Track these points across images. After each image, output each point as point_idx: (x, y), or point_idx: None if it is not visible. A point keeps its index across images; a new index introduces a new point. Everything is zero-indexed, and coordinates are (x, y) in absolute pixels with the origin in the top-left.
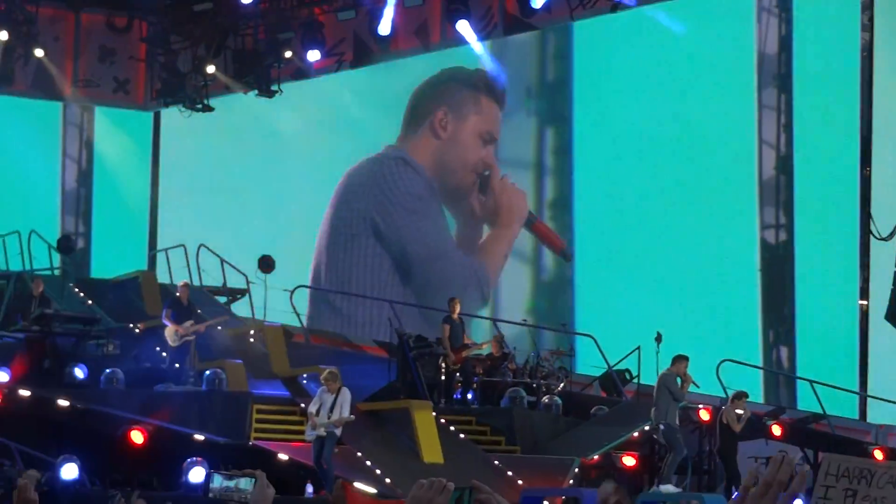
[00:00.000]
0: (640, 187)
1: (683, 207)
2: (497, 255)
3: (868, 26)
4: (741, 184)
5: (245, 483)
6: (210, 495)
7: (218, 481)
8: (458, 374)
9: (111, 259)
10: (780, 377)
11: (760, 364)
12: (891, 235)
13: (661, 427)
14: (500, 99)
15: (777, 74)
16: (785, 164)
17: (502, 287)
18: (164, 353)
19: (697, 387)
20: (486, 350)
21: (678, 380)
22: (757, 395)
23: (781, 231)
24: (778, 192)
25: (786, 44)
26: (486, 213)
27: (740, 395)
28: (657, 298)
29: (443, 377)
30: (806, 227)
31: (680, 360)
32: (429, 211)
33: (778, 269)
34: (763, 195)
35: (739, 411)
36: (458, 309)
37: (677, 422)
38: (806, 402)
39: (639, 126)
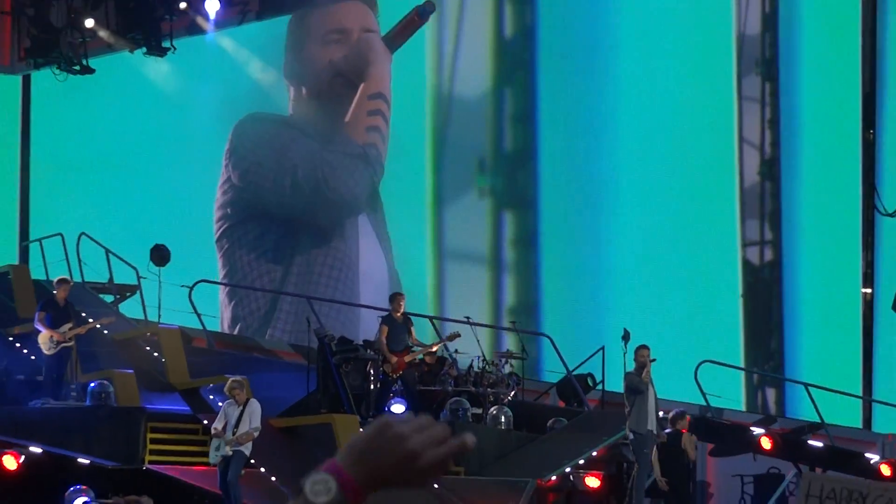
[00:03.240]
0: (602, 189)
1: (651, 219)
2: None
3: None
4: (719, 192)
5: None
6: None
7: None
8: (398, 383)
9: None
10: (769, 383)
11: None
12: None
13: (630, 437)
14: None
15: (760, 59)
16: (770, 169)
17: (447, 295)
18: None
19: (654, 360)
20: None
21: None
22: (739, 403)
23: (767, 249)
24: (763, 201)
25: (770, 22)
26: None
27: (683, 415)
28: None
29: (372, 387)
30: (794, 244)
31: (639, 349)
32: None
33: (763, 294)
34: (745, 205)
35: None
36: (402, 307)
37: (653, 430)
38: (801, 412)
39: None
